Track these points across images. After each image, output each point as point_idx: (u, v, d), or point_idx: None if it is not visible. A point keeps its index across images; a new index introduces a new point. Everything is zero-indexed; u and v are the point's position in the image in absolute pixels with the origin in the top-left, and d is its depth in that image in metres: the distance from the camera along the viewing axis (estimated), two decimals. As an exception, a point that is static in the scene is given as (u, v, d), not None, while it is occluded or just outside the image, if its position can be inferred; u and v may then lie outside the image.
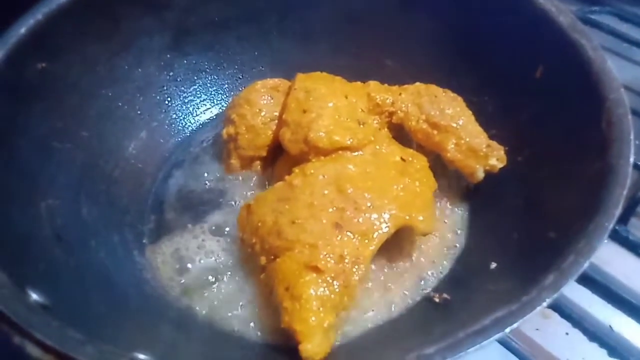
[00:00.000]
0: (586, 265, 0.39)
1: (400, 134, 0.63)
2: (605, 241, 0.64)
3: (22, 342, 0.36)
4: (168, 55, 0.70)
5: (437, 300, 0.53)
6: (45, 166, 0.55)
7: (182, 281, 0.57)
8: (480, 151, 0.56)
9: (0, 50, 0.53)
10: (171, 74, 0.71)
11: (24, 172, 0.52)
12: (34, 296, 0.40)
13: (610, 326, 0.59)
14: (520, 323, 0.36)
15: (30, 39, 0.55)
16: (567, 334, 0.59)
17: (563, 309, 0.58)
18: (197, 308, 0.55)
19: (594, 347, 0.57)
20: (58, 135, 0.57)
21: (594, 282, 0.60)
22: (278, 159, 0.65)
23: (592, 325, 0.57)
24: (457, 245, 0.59)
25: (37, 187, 0.53)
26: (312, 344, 0.45)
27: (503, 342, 0.58)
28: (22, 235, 0.47)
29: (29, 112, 0.55)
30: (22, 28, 0.55)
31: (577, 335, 0.58)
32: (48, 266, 0.47)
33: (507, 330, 0.36)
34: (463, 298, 0.51)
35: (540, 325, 0.61)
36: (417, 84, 0.62)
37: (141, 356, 0.35)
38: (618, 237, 0.64)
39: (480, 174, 0.57)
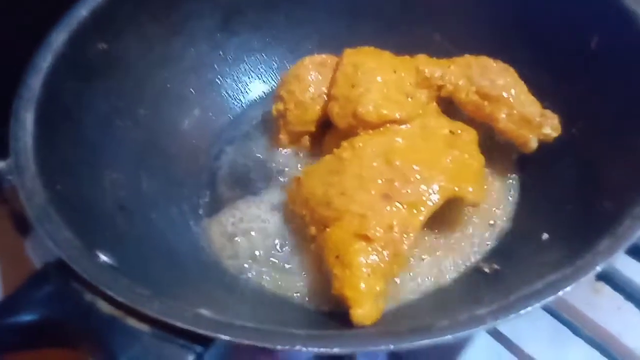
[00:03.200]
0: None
1: (449, 107, 0.62)
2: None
3: (93, 299, 0.39)
4: (219, 35, 0.72)
5: (486, 270, 0.53)
6: (108, 141, 0.58)
7: (235, 250, 0.59)
8: (534, 120, 0.55)
9: (64, 32, 0.55)
10: (222, 53, 0.73)
11: (90, 146, 0.55)
12: (103, 258, 0.42)
13: (663, 301, 0.57)
14: (574, 287, 0.36)
15: (91, 21, 0.57)
16: (619, 308, 0.58)
17: (616, 282, 0.58)
18: (250, 275, 0.57)
19: (646, 320, 0.57)
20: (119, 113, 0.60)
21: (648, 257, 0.59)
22: (326, 134, 0.66)
23: (645, 299, 0.56)
24: (508, 217, 0.58)
25: (102, 162, 0.55)
26: (363, 309, 0.46)
27: (555, 315, 0.58)
28: (89, 205, 0.50)
29: (92, 90, 0.58)
30: (83, 10, 0.57)
31: (629, 310, 0.57)
32: (112, 234, 0.49)
33: (560, 293, 0.36)
34: (513, 268, 0.51)
35: (591, 300, 0.60)
36: (467, 55, 0.62)
37: (204, 311, 0.37)
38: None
39: (534, 144, 0.56)
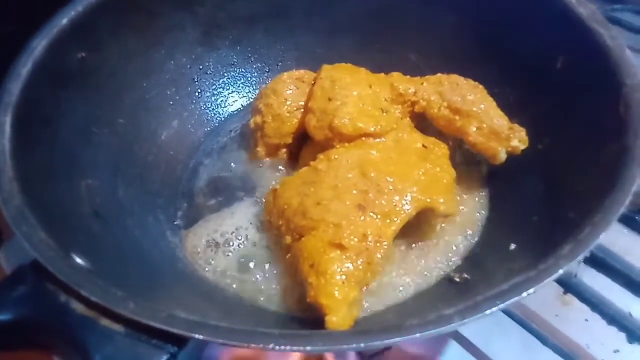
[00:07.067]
0: (601, 237, 0.41)
1: (422, 123, 0.64)
2: (625, 230, 0.66)
3: (67, 299, 0.39)
4: (199, 49, 0.73)
5: (457, 279, 0.55)
6: (85, 149, 0.58)
7: (212, 260, 0.59)
8: (502, 133, 0.57)
9: (43, 39, 0.56)
10: (201, 67, 0.74)
11: (67, 153, 0.55)
12: (78, 260, 0.42)
13: (630, 313, 0.59)
14: (537, 288, 0.38)
15: (70, 30, 0.58)
16: (586, 320, 0.60)
17: (583, 294, 0.60)
18: (225, 285, 0.57)
19: (612, 332, 0.58)
20: (97, 121, 0.61)
21: (614, 270, 0.61)
22: (303, 147, 0.67)
23: (611, 310, 0.58)
24: (477, 228, 0.60)
25: (78, 168, 0.56)
26: (337, 317, 0.46)
27: (525, 325, 0.59)
28: (65, 209, 0.50)
29: (71, 98, 0.58)
30: (63, 19, 0.58)
31: (596, 322, 0.59)
32: (88, 238, 0.49)
33: (525, 294, 0.37)
34: (482, 277, 0.52)
35: (560, 312, 0.62)
36: (439, 74, 0.64)
37: (180, 314, 0.37)
38: (637, 226, 0.65)
39: (503, 156, 0.58)
